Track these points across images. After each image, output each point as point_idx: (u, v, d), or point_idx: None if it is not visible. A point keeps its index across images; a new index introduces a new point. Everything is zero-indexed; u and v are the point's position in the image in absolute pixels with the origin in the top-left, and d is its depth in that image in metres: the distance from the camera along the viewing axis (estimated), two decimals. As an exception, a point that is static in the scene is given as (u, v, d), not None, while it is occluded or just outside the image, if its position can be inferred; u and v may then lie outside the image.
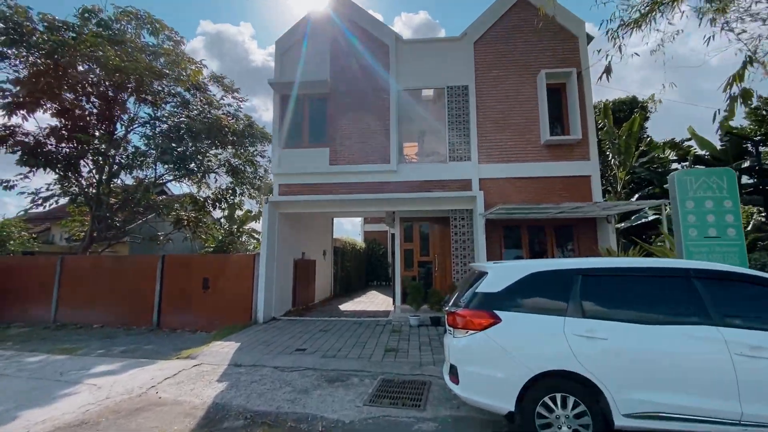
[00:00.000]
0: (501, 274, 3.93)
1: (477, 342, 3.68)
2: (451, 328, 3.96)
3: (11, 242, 14.61)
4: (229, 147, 15.79)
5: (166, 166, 14.08)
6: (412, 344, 7.17)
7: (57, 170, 11.86)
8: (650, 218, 13.05)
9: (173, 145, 11.99)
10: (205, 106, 14.35)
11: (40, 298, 11.46)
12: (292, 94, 11.08)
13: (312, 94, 11.21)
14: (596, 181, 10.19)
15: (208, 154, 14.93)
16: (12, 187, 12.14)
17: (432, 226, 11.78)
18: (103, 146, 12.11)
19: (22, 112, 10.74)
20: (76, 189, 12.79)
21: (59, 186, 11.81)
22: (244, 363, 6.25)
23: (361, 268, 22.21)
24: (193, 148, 12.99)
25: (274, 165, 10.92)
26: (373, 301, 14.95)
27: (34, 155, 11.01)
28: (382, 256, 24.85)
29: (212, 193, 16.29)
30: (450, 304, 4.30)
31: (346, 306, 13.29)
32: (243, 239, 19.10)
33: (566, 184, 10.24)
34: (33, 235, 15.82)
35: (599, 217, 10.01)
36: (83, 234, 14.10)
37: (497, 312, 3.69)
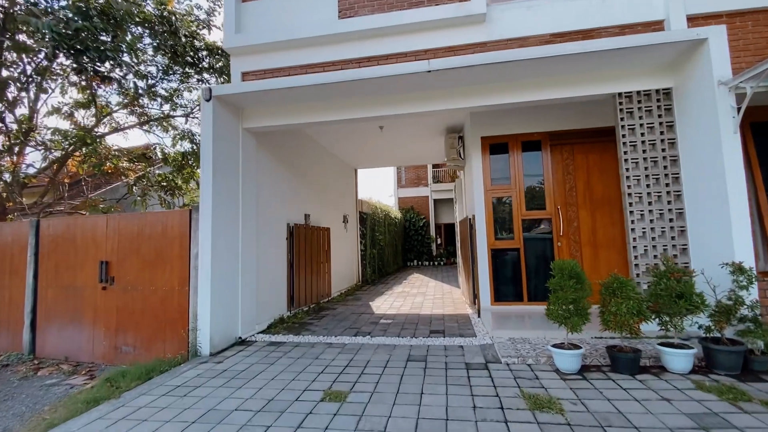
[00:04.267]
0: None
1: None
2: None
3: None
4: (207, 74, 10.53)
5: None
6: None
7: None
8: None
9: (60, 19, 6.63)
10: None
11: None
12: None
13: None
14: None
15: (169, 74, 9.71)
16: None
17: (550, 150, 5.98)
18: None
19: None
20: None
21: None
22: None
23: (398, 244, 16.77)
24: (111, 37, 7.64)
25: (229, 32, 5.40)
26: (424, 292, 9.46)
27: None
28: (422, 228, 19.30)
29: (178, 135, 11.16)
30: None
31: (383, 304, 7.86)
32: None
33: None
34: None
35: None
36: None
37: None
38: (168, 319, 4.82)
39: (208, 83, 11.22)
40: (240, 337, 5.00)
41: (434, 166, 20.78)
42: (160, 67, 9.77)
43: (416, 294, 8.94)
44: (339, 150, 9.51)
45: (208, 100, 4.79)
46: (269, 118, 5.34)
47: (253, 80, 5.26)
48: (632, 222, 4.42)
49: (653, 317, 3.47)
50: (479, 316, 5.85)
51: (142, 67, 9.23)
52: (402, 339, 4.82)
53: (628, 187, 4.46)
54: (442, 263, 18.81)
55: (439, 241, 20.61)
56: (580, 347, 3.50)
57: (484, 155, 6.06)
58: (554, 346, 3.62)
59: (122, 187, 11.03)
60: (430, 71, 4.29)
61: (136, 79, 8.54)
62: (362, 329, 5.47)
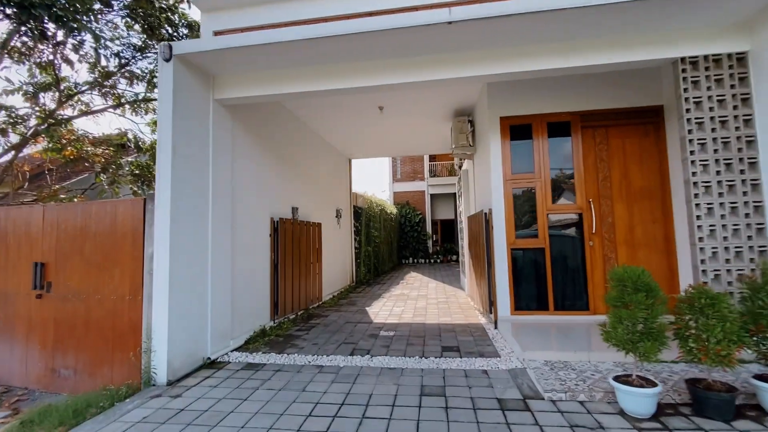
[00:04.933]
0: None
1: None
2: None
3: None
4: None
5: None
6: None
7: None
8: None
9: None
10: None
11: None
12: None
13: None
14: None
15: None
16: None
17: (581, 133, 5.11)
18: None
19: None
20: None
21: None
22: None
23: (393, 241, 15.88)
24: None
25: (199, -20, 4.40)
26: (425, 294, 8.59)
27: None
28: (418, 224, 18.45)
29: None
30: None
31: (381, 309, 6.97)
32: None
33: None
34: None
35: None
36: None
37: None
38: (117, 337, 3.85)
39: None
40: (209, 358, 4.04)
41: (431, 159, 19.91)
42: (137, 41, 8.65)
43: (417, 297, 8.06)
44: (332, 136, 8.55)
45: (167, 60, 3.79)
46: (247, 87, 4.35)
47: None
48: (698, 217, 3.56)
49: (753, 343, 2.62)
50: (496, 328, 4.99)
51: (112, 43, 8.11)
52: (410, 360, 3.92)
53: (693, 174, 3.60)
54: (438, 261, 18.00)
55: (435, 238, 19.78)
56: (656, 384, 2.64)
57: (503, 139, 5.17)
58: (618, 379, 2.75)
59: (93, 177, 9.91)
60: (450, 23, 3.36)
61: (97, 46, 7.33)
62: (360, 345, 4.55)
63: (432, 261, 18.05)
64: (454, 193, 19.33)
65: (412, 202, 19.25)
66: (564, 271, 4.97)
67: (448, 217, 19.93)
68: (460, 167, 19.56)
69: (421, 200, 19.33)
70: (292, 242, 6.15)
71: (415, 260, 18.11)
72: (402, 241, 18.17)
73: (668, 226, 4.79)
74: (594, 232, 4.93)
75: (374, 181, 44.37)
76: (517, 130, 5.19)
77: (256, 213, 5.33)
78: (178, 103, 3.82)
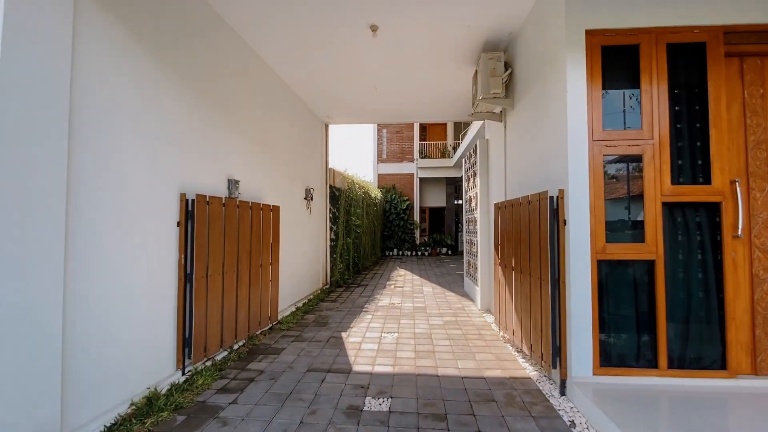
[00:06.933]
0: None
1: None
2: None
3: None
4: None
5: None
6: None
7: None
8: None
9: None
10: None
11: None
12: None
13: None
14: None
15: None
16: None
17: (723, 63, 2.96)
18: None
19: None
20: None
21: None
22: None
23: (376, 230, 13.68)
24: None
25: None
26: (423, 306, 6.47)
27: None
28: (404, 211, 16.32)
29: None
30: None
31: (365, 338, 4.81)
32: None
33: None
34: None
35: None
36: None
37: None
38: None
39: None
40: None
41: (421, 138, 17.67)
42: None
43: (413, 312, 5.91)
44: (302, 87, 6.13)
45: None
46: None
47: None
48: None
49: None
50: (563, 394, 2.91)
51: None
52: None
53: None
54: (426, 253, 15.98)
55: (423, 227, 17.71)
56: None
57: (591, 69, 2.97)
58: None
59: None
60: None
61: None
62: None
63: (419, 253, 16.00)
64: (446, 178, 17.27)
65: (399, 187, 17.02)
66: (686, 300, 2.90)
67: (439, 205, 17.86)
68: (454, 148, 17.43)
69: (409, 184, 17.11)
70: (225, 235, 3.81)
71: (401, 252, 16.00)
72: (386, 230, 15.99)
73: None
74: (739, 234, 2.87)
75: (355, 161, 41.66)
76: (614, 55, 3.01)
77: (146, 182, 2.95)
78: None
